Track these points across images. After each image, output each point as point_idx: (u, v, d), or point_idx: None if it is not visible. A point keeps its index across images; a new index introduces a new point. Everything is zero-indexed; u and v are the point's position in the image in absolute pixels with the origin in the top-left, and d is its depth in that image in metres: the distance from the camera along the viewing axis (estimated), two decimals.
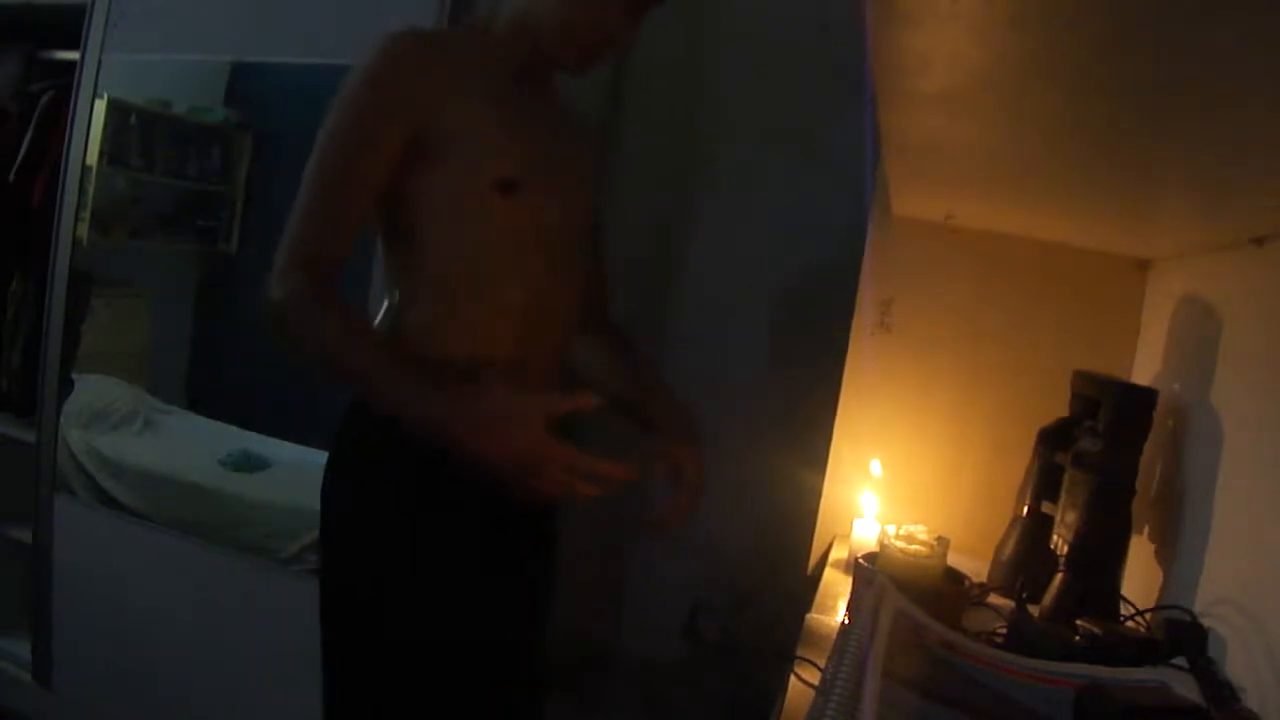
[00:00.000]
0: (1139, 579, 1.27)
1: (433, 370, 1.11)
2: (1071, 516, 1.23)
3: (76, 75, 2.11)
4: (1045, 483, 1.37)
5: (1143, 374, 1.50)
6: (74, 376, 2.19)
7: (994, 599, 1.33)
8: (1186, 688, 0.91)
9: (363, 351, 1.07)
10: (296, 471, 2.06)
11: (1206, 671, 0.98)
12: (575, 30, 1.17)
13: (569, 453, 1.05)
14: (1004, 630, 1.14)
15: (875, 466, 1.58)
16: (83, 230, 2.15)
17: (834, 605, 1.25)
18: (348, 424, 1.20)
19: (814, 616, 1.18)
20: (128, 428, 2.29)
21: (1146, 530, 1.30)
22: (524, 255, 1.19)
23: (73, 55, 2.14)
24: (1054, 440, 1.36)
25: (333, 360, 1.08)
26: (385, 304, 1.23)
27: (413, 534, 1.15)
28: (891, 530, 1.27)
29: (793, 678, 0.95)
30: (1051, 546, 1.28)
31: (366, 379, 1.08)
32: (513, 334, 1.19)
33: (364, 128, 1.12)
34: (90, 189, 2.14)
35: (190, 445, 2.35)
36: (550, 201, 1.21)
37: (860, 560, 1.29)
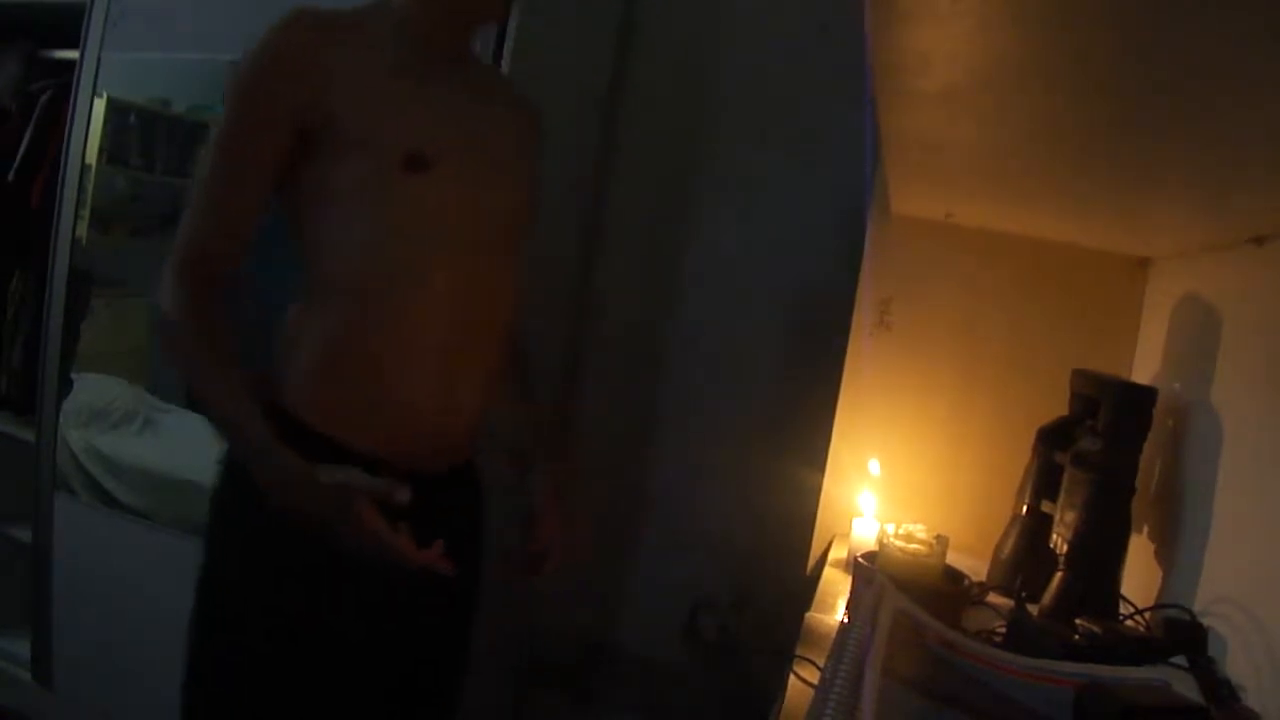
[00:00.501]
0: (1138, 578, 1.27)
1: (274, 433, 1.04)
2: (1071, 515, 1.23)
3: (76, 74, 2.11)
4: (1045, 482, 1.37)
5: (1142, 373, 1.50)
6: (74, 375, 2.19)
7: (993, 598, 1.33)
8: (1186, 687, 0.91)
9: (223, 393, 1.03)
10: None
11: (1206, 670, 0.99)
12: None
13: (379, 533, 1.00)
14: (1003, 629, 1.14)
15: (874, 466, 1.58)
16: (82, 229, 2.15)
17: (833, 604, 1.25)
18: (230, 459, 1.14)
19: (813, 615, 1.18)
20: (127, 427, 2.29)
21: (1146, 529, 1.30)
22: (443, 241, 1.11)
23: (72, 54, 2.14)
24: (1053, 439, 1.36)
25: (197, 392, 1.06)
26: (291, 309, 1.15)
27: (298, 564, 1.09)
28: (891, 529, 1.27)
29: (792, 676, 0.95)
30: (1051, 545, 1.28)
31: (220, 420, 1.04)
32: (434, 331, 1.12)
33: (251, 117, 1.07)
34: (90, 188, 2.13)
35: (190, 445, 2.34)
36: (470, 180, 1.13)
37: (860, 559, 1.29)
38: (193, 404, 1.11)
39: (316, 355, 1.10)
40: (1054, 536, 1.28)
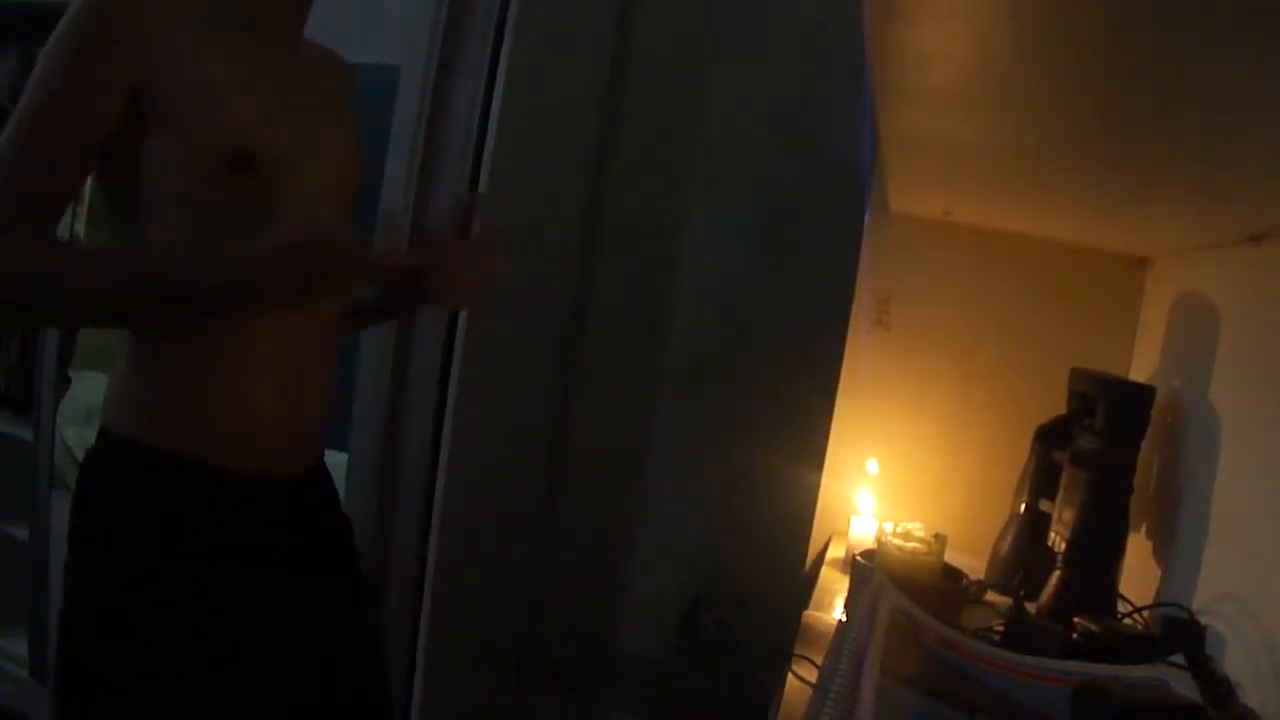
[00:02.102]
0: (1136, 576, 1.27)
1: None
2: (1069, 514, 1.23)
3: None
4: (1043, 480, 1.37)
5: (1140, 371, 1.50)
6: (71, 374, 2.19)
7: (991, 596, 1.33)
8: (1184, 685, 0.91)
9: (124, 265, 0.95)
10: None
11: (1204, 669, 0.99)
12: None
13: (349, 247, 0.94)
14: (1001, 628, 1.14)
15: (872, 465, 1.58)
16: (79, 227, 2.14)
17: (832, 603, 1.25)
18: (92, 468, 1.06)
19: (812, 614, 1.18)
20: None
21: (1144, 528, 1.30)
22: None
23: None
24: (1052, 437, 1.36)
25: (99, 287, 0.93)
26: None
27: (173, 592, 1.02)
28: (889, 527, 1.28)
29: (791, 675, 0.95)
30: (1049, 544, 1.28)
31: (145, 283, 0.94)
32: (273, 337, 1.05)
33: (74, 74, 0.94)
34: (87, 186, 2.13)
35: None
36: (302, 176, 1.05)
37: (858, 558, 1.29)
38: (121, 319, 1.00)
39: (156, 375, 1.03)
40: (1052, 535, 1.28)
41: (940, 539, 1.26)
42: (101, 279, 0.93)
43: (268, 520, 1.08)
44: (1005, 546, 1.40)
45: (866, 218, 1.64)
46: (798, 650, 1.01)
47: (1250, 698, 0.93)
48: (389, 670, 1.29)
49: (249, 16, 1.04)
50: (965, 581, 1.30)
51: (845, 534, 1.54)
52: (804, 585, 1.41)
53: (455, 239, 1.22)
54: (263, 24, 1.05)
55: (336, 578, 1.21)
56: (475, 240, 1.21)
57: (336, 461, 1.87)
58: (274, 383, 1.06)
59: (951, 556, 1.30)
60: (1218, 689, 0.94)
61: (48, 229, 0.96)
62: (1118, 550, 1.23)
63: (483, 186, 1.77)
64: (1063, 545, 1.23)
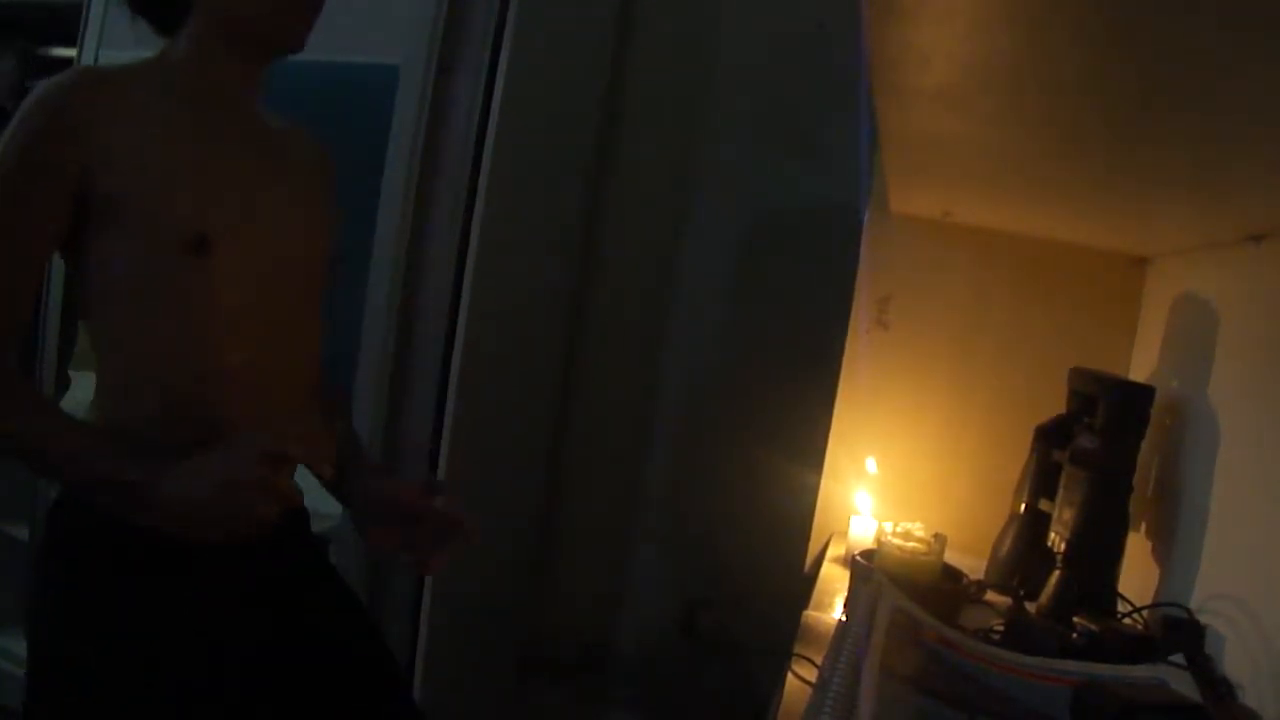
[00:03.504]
0: (1136, 576, 1.27)
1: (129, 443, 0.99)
2: (1069, 514, 1.23)
3: None
4: (1042, 480, 1.37)
5: (1140, 371, 1.50)
6: (71, 373, 2.19)
7: (991, 596, 1.34)
8: (1184, 685, 0.91)
9: (61, 430, 0.97)
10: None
11: (1204, 668, 0.99)
12: None
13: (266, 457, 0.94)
14: (1001, 627, 1.14)
15: (870, 464, 1.58)
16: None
17: (831, 602, 1.25)
18: (55, 526, 1.05)
19: (811, 614, 1.18)
20: None
21: (1144, 527, 1.30)
22: (233, 323, 1.03)
23: (70, 52, 2.13)
24: (1051, 437, 1.36)
25: (28, 442, 0.96)
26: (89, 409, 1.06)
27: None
28: (889, 527, 1.28)
29: (790, 675, 0.95)
30: (1049, 544, 1.28)
31: (66, 459, 0.96)
32: (234, 408, 1.04)
33: (27, 186, 0.95)
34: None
35: None
36: (258, 255, 1.05)
37: (858, 557, 1.29)
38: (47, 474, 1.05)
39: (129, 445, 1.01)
40: (1052, 535, 1.28)
41: (940, 539, 1.26)
42: (22, 432, 0.96)
43: (260, 565, 1.09)
44: (1005, 546, 1.40)
45: (866, 218, 1.64)
46: (797, 650, 1.01)
47: (1249, 697, 0.93)
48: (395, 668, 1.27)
49: (202, 89, 1.04)
50: (965, 581, 1.30)
51: (845, 534, 1.54)
52: (804, 585, 1.41)
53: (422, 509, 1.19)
54: (212, 96, 1.05)
55: (321, 594, 1.21)
56: (446, 516, 1.19)
57: None
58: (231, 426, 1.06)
59: (951, 556, 1.30)
60: (1217, 688, 0.94)
61: (5, 355, 0.97)
62: (1117, 550, 1.23)
63: (483, 187, 1.77)
64: (1062, 545, 1.23)
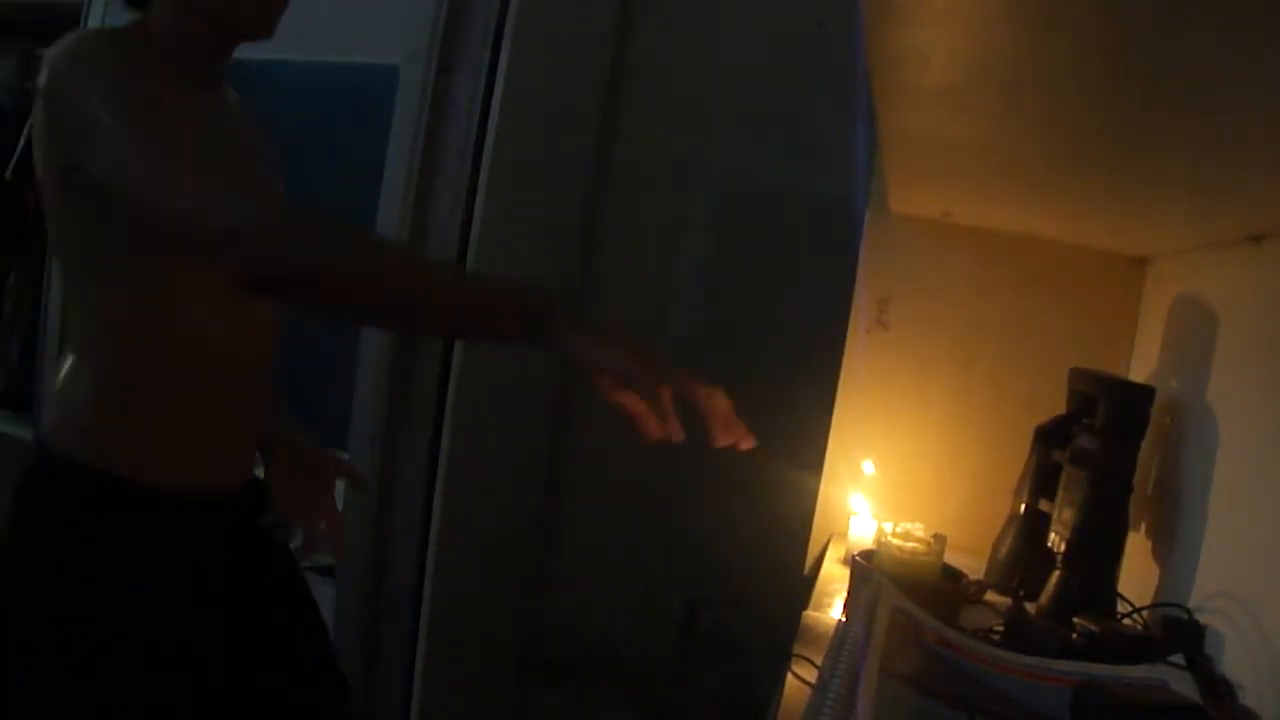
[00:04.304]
0: (1136, 576, 1.27)
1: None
2: (1069, 514, 1.23)
3: None
4: (1042, 480, 1.37)
5: (1140, 371, 1.50)
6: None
7: (991, 596, 1.33)
8: (1184, 685, 0.91)
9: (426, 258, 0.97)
10: None
11: (1203, 669, 0.99)
12: None
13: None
14: (1001, 628, 1.14)
15: (868, 466, 1.58)
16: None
17: (831, 603, 1.25)
18: (32, 480, 1.04)
19: (811, 614, 1.18)
20: None
21: (1143, 527, 1.30)
22: (227, 315, 1.07)
23: None
24: (1051, 437, 1.36)
25: (396, 265, 0.91)
26: (69, 361, 1.05)
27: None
28: (889, 528, 1.27)
29: (790, 675, 0.95)
30: (1049, 544, 1.28)
31: (455, 281, 0.95)
32: (232, 376, 1.10)
33: (149, 97, 0.93)
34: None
35: None
36: None
37: (857, 558, 1.29)
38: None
39: (116, 405, 1.03)
40: (1052, 535, 1.28)
41: (940, 539, 1.26)
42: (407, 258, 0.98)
43: (229, 530, 1.13)
44: (1005, 547, 1.40)
45: (865, 218, 1.64)
46: (797, 650, 1.01)
47: (1249, 698, 0.93)
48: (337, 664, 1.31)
49: (184, 67, 1.04)
50: (965, 581, 1.30)
51: (845, 534, 1.54)
52: (803, 585, 1.41)
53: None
54: (195, 76, 1.06)
55: (277, 583, 1.25)
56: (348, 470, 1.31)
57: None
58: (236, 416, 1.12)
59: (951, 557, 1.30)
60: (1217, 689, 0.94)
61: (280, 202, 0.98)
62: (1117, 550, 1.23)
63: (482, 186, 1.77)
64: (1062, 545, 1.23)
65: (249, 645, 1.15)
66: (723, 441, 0.99)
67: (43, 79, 0.94)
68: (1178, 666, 0.97)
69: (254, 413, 1.18)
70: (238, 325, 1.10)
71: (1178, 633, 1.06)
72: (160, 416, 1.05)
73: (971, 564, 1.37)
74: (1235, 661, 0.99)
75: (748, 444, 1.03)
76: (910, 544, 1.24)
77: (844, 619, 1.02)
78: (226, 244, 0.86)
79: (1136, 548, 1.26)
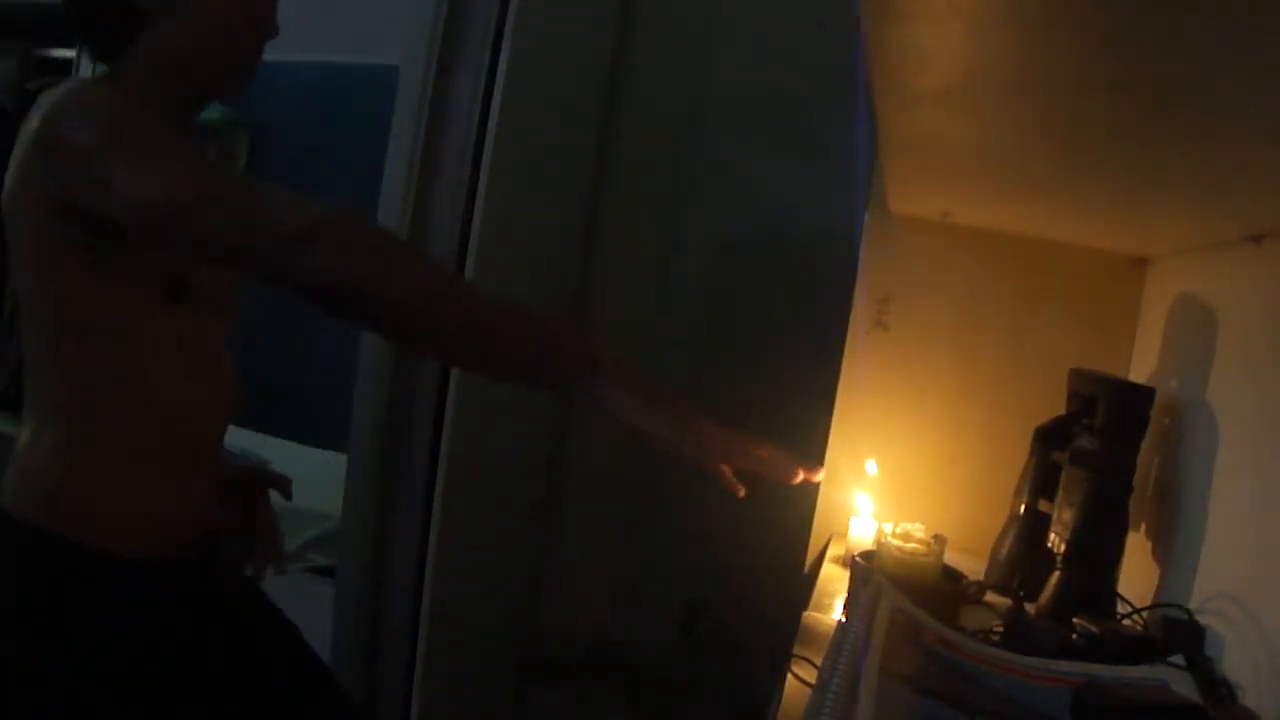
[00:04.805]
0: (1136, 577, 1.27)
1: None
2: (1068, 514, 1.23)
3: (73, 73, 2.11)
4: (1042, 481, 1.37)
5: (1140, 372, 1.50)
6: None
7: (991, 597, 1.33)
8: (1184, 685, 0.91)
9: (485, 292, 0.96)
10: (294, 470, 2.05)
11: (1204, 669, 0.98)
12: (236, 49, 1.07)
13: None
14: (1001, 628, 1.14)
15: (871, 466, 1.58)
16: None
17: (831, 603, 1.25)
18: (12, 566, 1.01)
19: (811, 614, 1.18)
20: None
21: (1143, 528, 1.30)
22: (202, 361, 1.08)
23: (69, 53, 2.14)
24: (1051, 438, 1.36)
25: (449, 288, 0.93)
26: (29, 425, 1.03)
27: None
28: (888, 528, 1.27)
29: (790, 675, 0.95)
30: (1048, 544, 1.28)
31: (510, 316, 0.96)
32: (196, 437, 1.10)
33: (156, 124, 0.94)
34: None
35: None
36: (220, 293, 1.09)
37: (857, 558, 1.29)
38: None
39: (78, 469, 1.02)
40: (1051, 535, 1.28)
41: (940, 540, 1.26)
42: (440, 276, 0.96)
43: (202, 580, 1.15)
44: (1005, 547, 1.40)
45: (865, 218, 1.64)
46: (797, 650, 1.01)
47: (1249, 698, 0.93)
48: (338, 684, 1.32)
49: (164, 120, 1.02)
50: (965, 582, 1.30)
51: (845, 534, 1.54)
52: (803, 586, 1.41)
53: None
54: (173, 125, 1.04)
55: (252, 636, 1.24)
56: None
57: (337, 462, 1.87)
58: (201, 475, 1.13)
59: (951, 557, 1.30)
60: (1217, 689, 0.94)
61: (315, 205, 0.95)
62: (1117, 550, 1.23)
63: (482, 186, 1.77)
64: (1062, 546, 1.23)
65: (239, 697, 1.16)
66: (796, 483, 1.07)
67: (36, 122, 0.93)
68: (1178, 667, 0.97)
69: (214, 467, 1.17)
70: (204, 383, 1.10)
71: (1178, 633, 1.06)
72: (123, 479, 1.04)
73: (971, 564, 1.37)
74: (1235, 662, 0.99)
75: (817, 476, 1.09)
76: (910, 544, 1.24)
77: (844, 619, 1.02)
78: (303, 246, 0.86)
79: (1136, 548, 1.26)
